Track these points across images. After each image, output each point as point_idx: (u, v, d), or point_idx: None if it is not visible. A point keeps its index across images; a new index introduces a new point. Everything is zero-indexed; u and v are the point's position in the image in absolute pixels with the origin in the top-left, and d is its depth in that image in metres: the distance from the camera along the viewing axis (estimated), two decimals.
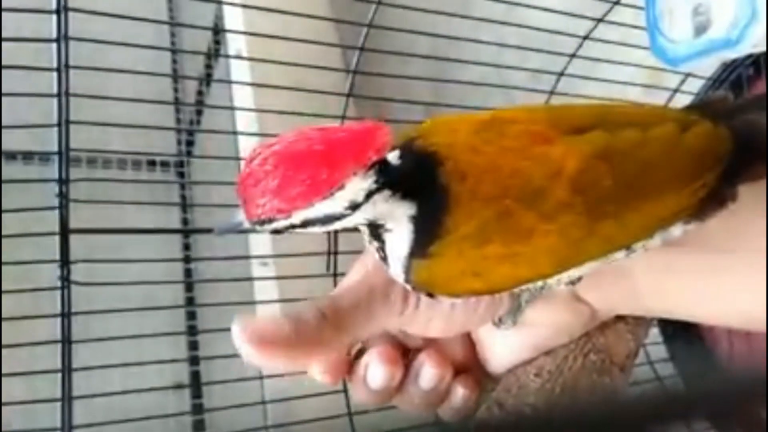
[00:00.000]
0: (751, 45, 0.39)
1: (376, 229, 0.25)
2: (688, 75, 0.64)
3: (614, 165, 0.24)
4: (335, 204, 0.23)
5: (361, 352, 0.30)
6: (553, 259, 0.24)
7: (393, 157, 0.23)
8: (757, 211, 0.26)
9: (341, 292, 0.29)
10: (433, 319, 0.29)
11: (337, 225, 0.24)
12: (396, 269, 0.25)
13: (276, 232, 0.24)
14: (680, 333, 0.74)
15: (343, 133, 0.23)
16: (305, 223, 0.23)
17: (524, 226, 0.23)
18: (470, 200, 0.23)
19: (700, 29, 0.42)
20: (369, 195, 0.23)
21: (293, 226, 0.24)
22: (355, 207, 0.23)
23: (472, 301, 0.29)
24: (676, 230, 0.26)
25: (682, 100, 0.68)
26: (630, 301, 0.29)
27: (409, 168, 0.23)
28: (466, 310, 0.29)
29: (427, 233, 0.24)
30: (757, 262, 0.25)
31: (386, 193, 0.23)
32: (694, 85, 0.68)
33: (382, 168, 0.23)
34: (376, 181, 0.23)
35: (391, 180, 0.23)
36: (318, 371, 0.30)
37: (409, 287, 0.26)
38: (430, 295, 0.26)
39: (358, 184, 0.23)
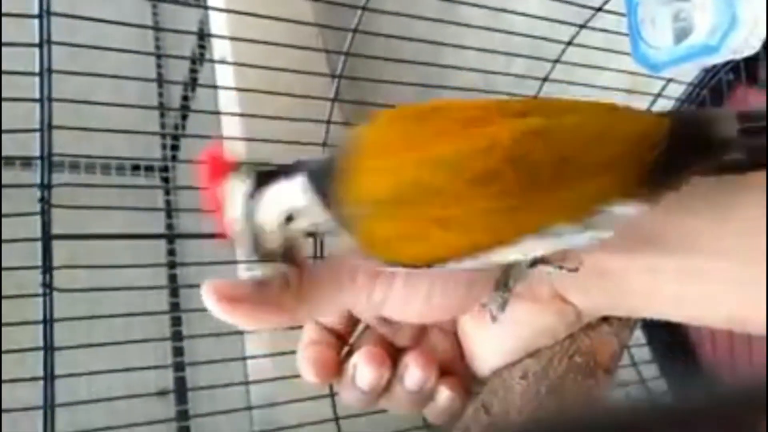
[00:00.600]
0: (730, 51, 0.39)
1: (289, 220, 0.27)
2: (669, 80, 0.65)
3: (549, 141, 0.25)
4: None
5: (350, 353, 0.31)
6: (485, 227, 0.25)
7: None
8: (737, 213, 0.26)
9: (312, 267, 0.30)
10: (411, 302, 0.29)
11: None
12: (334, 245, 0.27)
13: None
14: (664, 334, 0.75)
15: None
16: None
17: (452, 191, 0.24)
18: (382, 168, 0.25)
19: (681, 35, 0.42)
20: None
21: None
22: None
23: (450, 283, 0.29)
24: (621, 210, 0.26)
25: (664, 105, 0.69)
26: (614, 302, 0.29)
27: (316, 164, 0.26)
28: (444, 291, 0.29)
29: (332, 201, 0.25)
30: (739, 264, 0.26)
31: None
32: (676, 90, 0.69)
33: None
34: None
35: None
36: (307, 372, 0.30)
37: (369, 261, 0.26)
38: (390, 264, 0.26)
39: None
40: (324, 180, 0.25)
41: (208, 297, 0.28)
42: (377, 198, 0.25)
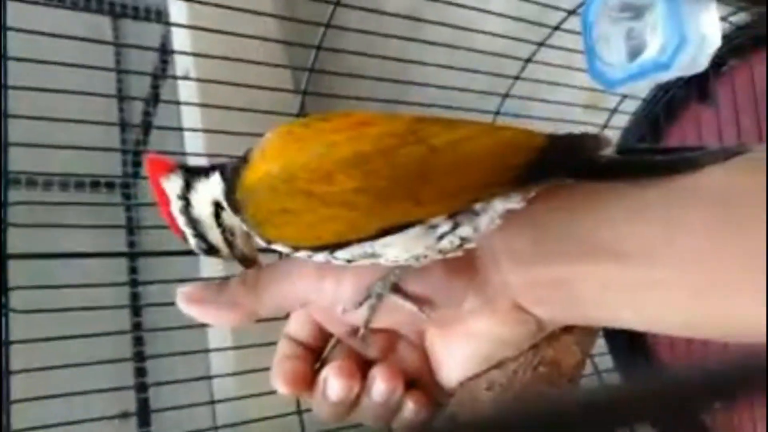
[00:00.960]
0: (680, 68, 0.41)
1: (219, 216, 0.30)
2: (625, 96, 0.67)
3: (420, 136, 0.27)
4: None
5: (322, 367, 0.31)
6: (360, 206, 0.26)
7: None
8: (688, 219, 0.27)
9: (268, 265, 0.32)
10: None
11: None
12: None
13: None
14: (625, 341, 0.76)
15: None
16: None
17: (323, 169, 0.26)
18: (269, 156, 0.28)
19: (635, 53, 0.44)
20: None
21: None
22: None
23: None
24: (502, 204, 0.27)
25: (620, 120, 0.71)
26: (571, 312, 0.30)
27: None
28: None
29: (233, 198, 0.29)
30: (693, 270, 0.27)
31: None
32: (632, 106, 0.71)
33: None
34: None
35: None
36: (280, 384, 0.30)
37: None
38: (270, 241, 0.29)
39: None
40: (230, 175, 0.29)
41: (180, 303, 0.31)
42: (260, 177, 0.27)
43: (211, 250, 0.31)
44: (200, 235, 0.31)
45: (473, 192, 0.27)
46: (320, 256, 0.28)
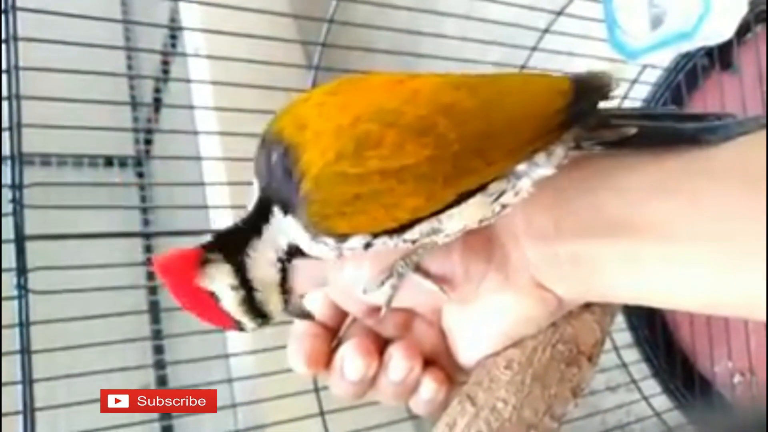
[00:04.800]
0: (704, 38, 0.40)
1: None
2: (645, 66, 0.66)
3: (470, 91, 0.26)
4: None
5: (339, 345, 0.31)
6: (437, 175, 0.25)
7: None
8: (709, 199, 0.26)
9: None
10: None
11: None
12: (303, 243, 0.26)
13: None
14: (644, 318, 0.76)
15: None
16: None
17: (391, 142, 0.24)
18: (316, 139, 0.24)
19: (656, 22, 0.42)
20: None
21: None
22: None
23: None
24: (539, 161, 0.27)
25: (641, 91, 0.70)
26: (591, 290, 0.30)
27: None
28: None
29: (288, 189, 0.25)
30: (715, 249, 0.26)
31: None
32: (653, 76, 0.69)
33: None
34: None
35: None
36: (297, 363, 0.30)
37: (326, 244, 0.26)
38: (343, 237, 0.26)
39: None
40: (274, 197, 0.25)
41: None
42: (322, 167, 0.24)
43: (264, 320, 0.28)
44: (259, 314, 0.27)
45: (531, 142, 0.26)
46: (379, 242, 0.26)
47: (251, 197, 0.26)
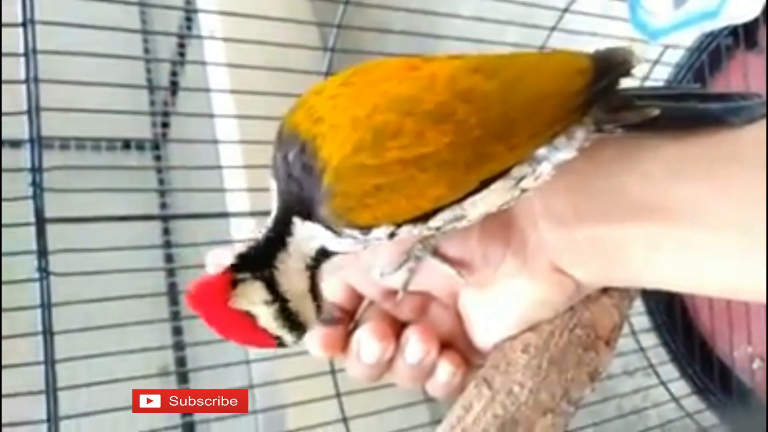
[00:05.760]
0: (729, 17, 0.38)
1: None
2: (667, 46, 0.64)
3: (487, 74, 0.25)
4: None
5: (355, 329, 0.31)
6: (459, 161, 0.24)
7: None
8: (737, 183, 0.26)
9: None
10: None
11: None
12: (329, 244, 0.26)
13: None
14: (663, 302, 0.75)
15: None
16: None
17: (410, 130, 0.24)
18: (333, 132, 0.24)
19: (680, 0, 0.41)
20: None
21: None
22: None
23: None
24: (560, 145, 0.26)
25: (662, 72, 0.68)
26: (611, 274, 0.29)
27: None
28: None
29: (310, 182, 0.24)
30: (742, 233, 0.26)
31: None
32: (675, 56, 0.68)
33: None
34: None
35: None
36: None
37: (352, 237, 0.26)
38: (368, 228, 0.25)
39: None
40: (294, 204, 0.25)
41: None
42: (341, 160, 0.24)
43: (301, 332, 0.27)
44: (296, 326, 0.27)
45: (552, 124, 0.26)
46: (404, 231, 0.25)
47: (272, 202, 0.26)
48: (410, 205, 0.25)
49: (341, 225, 0.25)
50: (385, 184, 0.24)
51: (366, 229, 0.25)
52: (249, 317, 0.26)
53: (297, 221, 0.25)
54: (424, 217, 0.25)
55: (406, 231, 0.25)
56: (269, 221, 0.26)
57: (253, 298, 0.26)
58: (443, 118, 0.24)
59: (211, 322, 0.25)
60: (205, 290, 0.25)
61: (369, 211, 0.24)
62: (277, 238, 0.26)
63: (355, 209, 0.24)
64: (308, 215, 0.25)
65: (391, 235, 0.25)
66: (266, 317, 0.26)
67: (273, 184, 0.26)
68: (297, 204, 0.25)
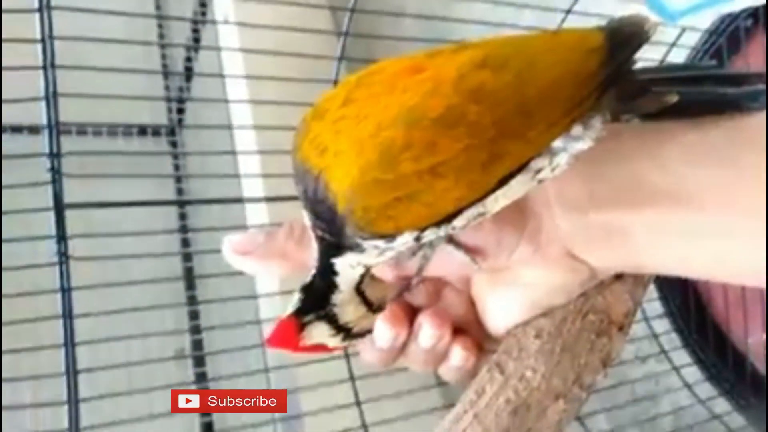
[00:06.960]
0: None
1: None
2: (684, 29, 0.63)
3: (495, 67, 0.25)
4: None
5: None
6: (475, 164, 0.24)
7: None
8: (750, 170, 0.26)
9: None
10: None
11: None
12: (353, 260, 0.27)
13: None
14: (676, 288, 0.75)
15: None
16: None
17: (421, 140, 0.23)
18: (339, 160, 0.24)
19: None
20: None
21: None
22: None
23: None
24: (577, 134, 0.26)
25: (679, 55, 0.67)
26: (623, 260, 0.29)
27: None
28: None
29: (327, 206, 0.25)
30: (755, 219, 0.25)
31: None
32: (692, 39, 0.67)
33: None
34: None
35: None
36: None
37: (370, 241, 0.26)
38: (391, 236, 0.26)
39: None
40: (329, 239, 0.26)
41: (227, 254, 0.30)
42: (353, 179, 0.24)
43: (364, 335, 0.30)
44: (362, 335, 0.30)
45: (569, 112, 0.25)
46: (428, 233, 0.25)
47: (311, 238, 0.27)
48: (432, 211, 0.25)
49: (367, 236, 0.25)
50: (404, 196, 0.24)
51: (390, 237, 0.25)
52: (321, 346, 0.29)
53: (336, 261, 0.27)
54: (448, 219, 0.25)
55: (431, 233, 0.26)
56: (315, 260, 0.28)
57: (321, 335, 0.29)
58: (454, 122, 0.24)
59: (295, 352, 0.29)
60: (279, 336, 0.28)
61: (392, 221, 0.25)
62: (327, 280, 0.28)
63: (378, 220, 0.25)
64: (339, 248, 0.26)
65: (417, 239, 0.26)
66: (335, 343, 0.29)
67: (305, 215, 0.27)
68: (329, 244, 0.26)
